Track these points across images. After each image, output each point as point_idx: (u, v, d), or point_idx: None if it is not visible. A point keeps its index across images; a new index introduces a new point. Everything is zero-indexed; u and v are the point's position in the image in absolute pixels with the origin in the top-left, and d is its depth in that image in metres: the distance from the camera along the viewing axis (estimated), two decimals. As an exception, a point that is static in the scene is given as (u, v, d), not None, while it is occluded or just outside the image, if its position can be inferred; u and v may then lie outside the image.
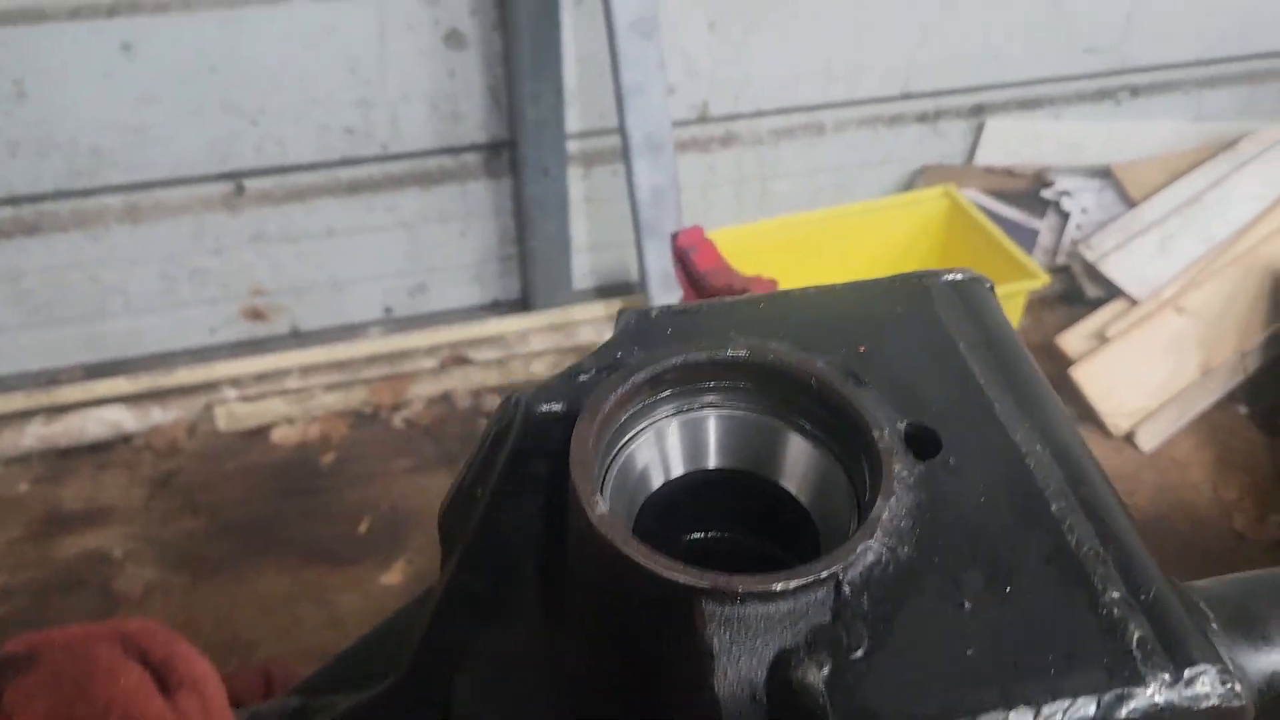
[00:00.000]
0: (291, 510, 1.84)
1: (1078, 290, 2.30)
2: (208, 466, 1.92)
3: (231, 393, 2.02)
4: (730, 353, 0.45)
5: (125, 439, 1.95)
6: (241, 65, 1.84)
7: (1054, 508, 0.39)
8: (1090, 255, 2.27)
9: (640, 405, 0.45)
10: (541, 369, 2.14)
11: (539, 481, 0.47)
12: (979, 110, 2.39)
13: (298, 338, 2.18)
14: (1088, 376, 2.03)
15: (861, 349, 0.46)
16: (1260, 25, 2.45)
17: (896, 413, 0.43)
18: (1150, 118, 2.53)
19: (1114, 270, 2.23)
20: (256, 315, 2.15)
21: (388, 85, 1.90)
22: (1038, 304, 2.31)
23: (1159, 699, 0.35)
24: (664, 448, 0.45)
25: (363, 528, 1.82)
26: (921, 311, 0.48)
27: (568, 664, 0.48)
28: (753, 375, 0.45)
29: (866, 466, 0.41)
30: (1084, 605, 0.37)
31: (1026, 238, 2.37)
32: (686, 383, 0.46)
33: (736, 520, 0.48)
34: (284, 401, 2.02)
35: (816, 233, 2.10)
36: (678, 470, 0.46)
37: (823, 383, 0.44)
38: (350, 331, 2.19)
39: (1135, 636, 0.36)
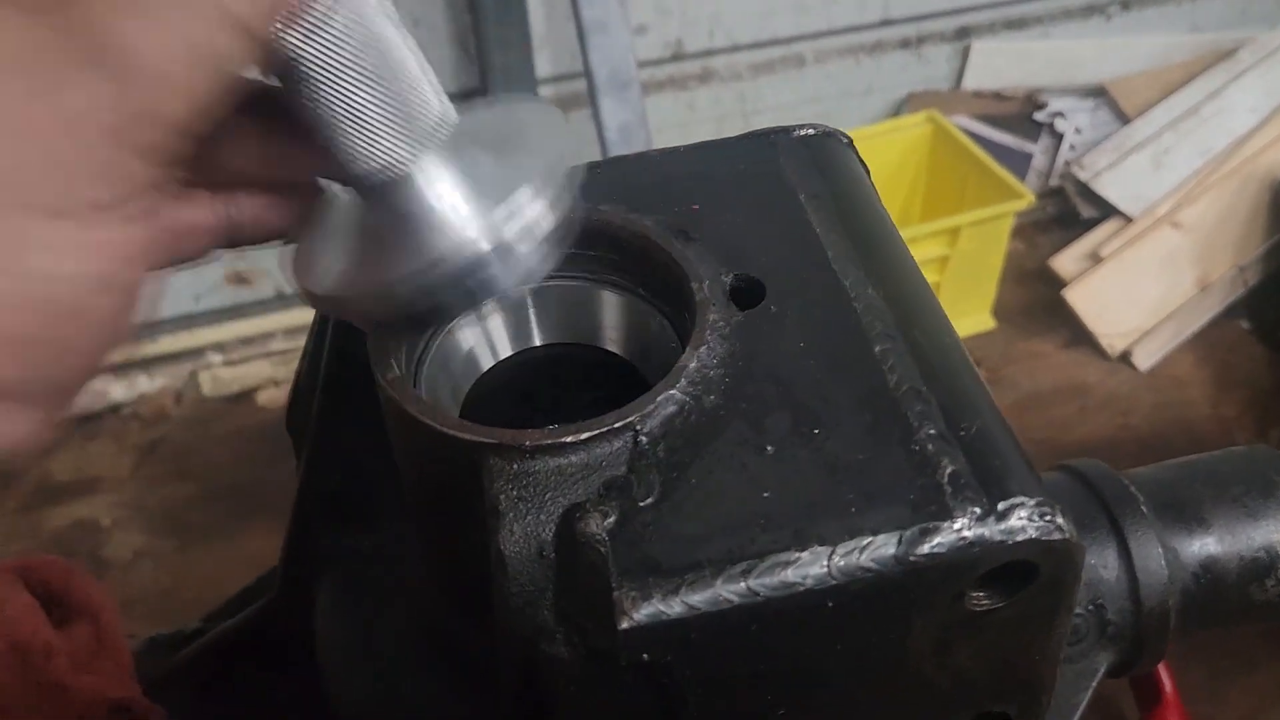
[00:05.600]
0: (279, 472, 1.84)
1: (1072, 212, 2.24)
2: (195, 432, 1.92)
3: (216, 358, 2.02)
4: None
5: (113, 409, 1.95)
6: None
7: (877, 350, 0.37)
8: (1083, 175, 2.21)
9: None
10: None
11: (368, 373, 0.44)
12: (964, 33, 2.33)
13: (282, 300, 2.17)
14: (1080, 297, 1.99)
15: (695, 207, 0.43)
16: (1255, -73, 2.37)
17: (723, 266, 0.41)
18: (1144, 31, 2.45)
19: (1107, 189, 2.17)
20: (240, 280, 2.14)
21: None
22: (1031, 227, 2.26)
23: (968, 533, 0.32)
24: (486, 327, 0.43)
25: (350, 485, 1.82)
26: (766, 168, 0.45)
27: (416, 565, 0.46)
28: (579, 239, 0.43)
29: (689, 320, 0.39)
30: (895, 443, 0.34)
31: (1020, 161, 2.31)
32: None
33: (574, 396, 0.46)
34: (269, 364, 2.02)
35: (798, 166, 2.05)
36: (505, 350, 0.44)
37: (646, 240, 0.41)
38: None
39: (948, 471, 0.33)
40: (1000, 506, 0.33)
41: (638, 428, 0.35)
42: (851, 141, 0.48)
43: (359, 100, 0.33)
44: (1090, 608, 0.61)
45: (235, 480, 1.83)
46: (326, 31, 0.32)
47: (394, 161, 0.34)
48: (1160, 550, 0.62)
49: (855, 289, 0.39)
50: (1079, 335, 2.01)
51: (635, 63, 1.73)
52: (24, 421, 0.26)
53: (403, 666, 0.45)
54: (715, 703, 0.34)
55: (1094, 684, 0.62)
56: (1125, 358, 1.98)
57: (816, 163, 0.45)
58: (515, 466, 0.34)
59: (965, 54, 2.34)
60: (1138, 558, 0.61)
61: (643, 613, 0.31)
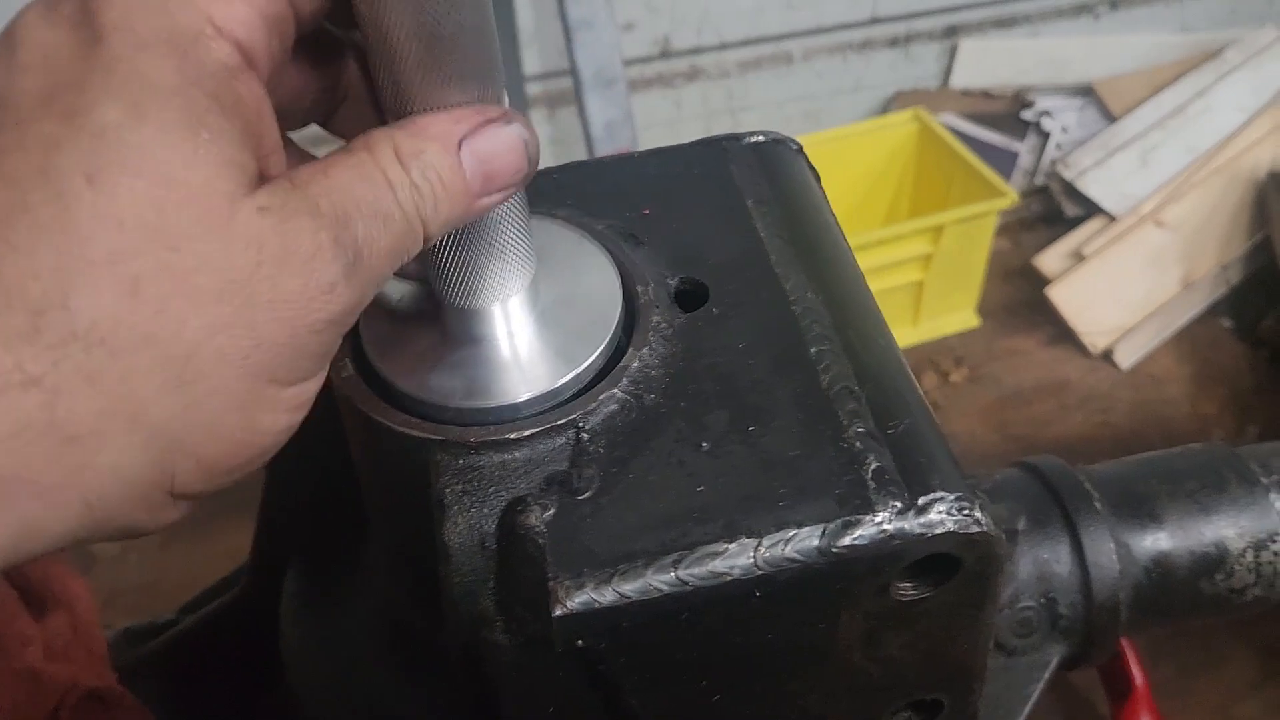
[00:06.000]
0: (258, 470, 1.84)
1: (1057, 210, 2.26)
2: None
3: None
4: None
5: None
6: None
7: (813, 350, 0.38)
8: (1068, 173, 2.22)
9: None
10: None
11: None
12: (952, 31, 2.34)
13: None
14: (1063, 295, 2.00)
15: (645, 211, 0.45)
16: (1242, -73, 2.38)
17: (669, 269, 0.42)
18: (1133, 30, 2.47)
19: (1092, 187, 2.18)
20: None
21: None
22: (1017, 226, 2.27)
23: (889, 526, 0.34)
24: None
25: (338, 478, 1.83)
26: (715, 173, 0.46)
27: (376, 557, 0.48)
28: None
29: (635, 322, 0.40)
30: (826, 441, 0.36)
31: (1006, 160, 2.33)
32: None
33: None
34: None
35: (785, 164, 2.06)
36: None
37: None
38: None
39: (873, 467, 0.35)
40: (921, 501, 0.34)
41: (580, 425, 0.36)
42: (801, 148, 0.49)
43: (486, 263, 0.37)
44: (1042, 601, 0.62)
45: (223, 473, 1.84)
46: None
47: (489, 302, 0.38)
48: (1112, 545, 0.63)
49: (795, 292, 0.40)
50: (1062, 333, 2.03)
51: (621, 60, 1.74)
52: (181, 512, 0.32)
53: (364, 657, 0.47)
54: (650, 689, 0.35)
55: (1046, 675, 0.64)
56: (1107, 355, 2.00)
57: (765, 169, 0.47)
58: (461, 461, 0.36)
59: (953, 52, 2.36)
60: (1090, 552, 0.62)
61: (576, 601, 0.32)
